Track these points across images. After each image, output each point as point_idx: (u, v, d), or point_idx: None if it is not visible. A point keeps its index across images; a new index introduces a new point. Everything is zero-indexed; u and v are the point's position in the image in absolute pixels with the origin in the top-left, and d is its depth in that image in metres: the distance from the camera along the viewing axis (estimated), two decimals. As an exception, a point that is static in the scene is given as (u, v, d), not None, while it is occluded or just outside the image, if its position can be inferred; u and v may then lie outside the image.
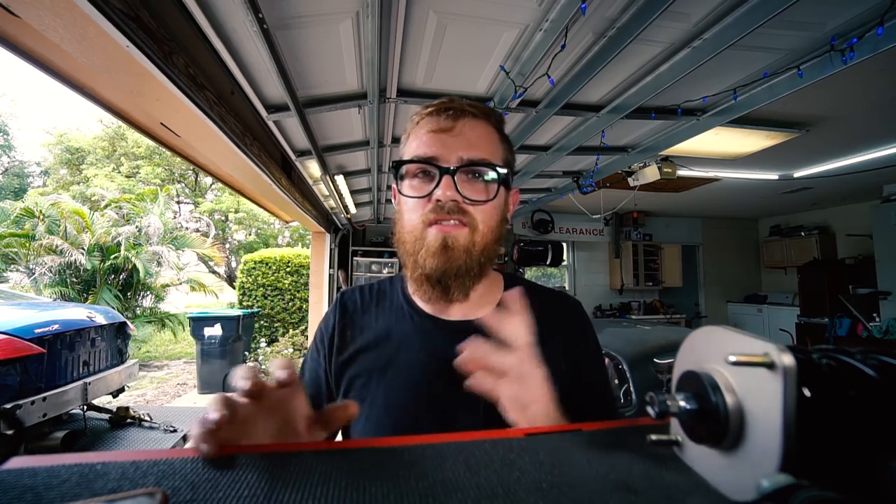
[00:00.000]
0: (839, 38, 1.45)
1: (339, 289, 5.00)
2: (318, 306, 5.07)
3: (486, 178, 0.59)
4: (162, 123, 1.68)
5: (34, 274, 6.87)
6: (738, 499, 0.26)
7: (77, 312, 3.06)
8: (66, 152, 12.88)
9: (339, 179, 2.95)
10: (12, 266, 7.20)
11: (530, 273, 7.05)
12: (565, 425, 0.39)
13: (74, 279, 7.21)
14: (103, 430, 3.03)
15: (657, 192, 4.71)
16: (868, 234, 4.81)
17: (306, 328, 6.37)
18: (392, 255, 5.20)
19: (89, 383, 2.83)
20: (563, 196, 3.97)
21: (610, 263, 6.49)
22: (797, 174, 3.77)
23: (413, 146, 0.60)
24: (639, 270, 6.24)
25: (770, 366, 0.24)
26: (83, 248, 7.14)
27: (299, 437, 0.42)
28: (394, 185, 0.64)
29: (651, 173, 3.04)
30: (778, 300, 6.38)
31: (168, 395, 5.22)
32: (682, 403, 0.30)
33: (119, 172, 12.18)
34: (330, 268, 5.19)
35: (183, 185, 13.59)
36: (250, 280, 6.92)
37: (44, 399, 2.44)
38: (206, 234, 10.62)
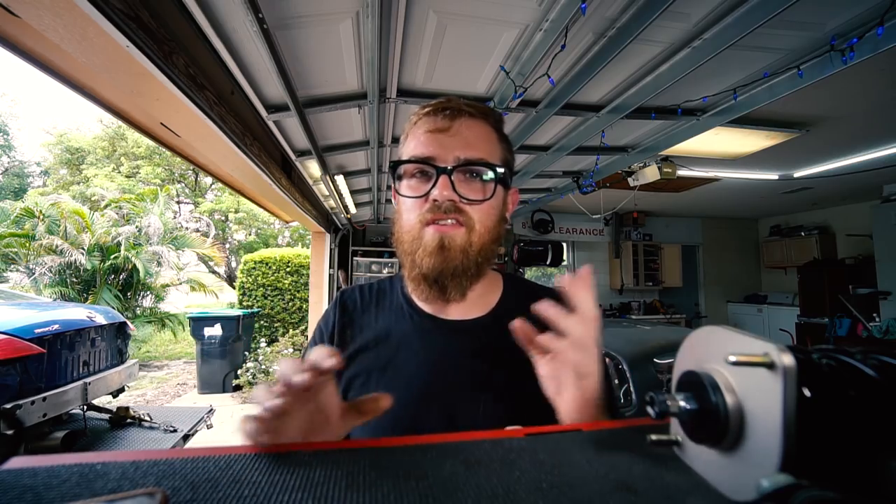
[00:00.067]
0: (839, 38, 1.45)
1: (338, 288, 5.00)
2: (318, 306, 5.07)
3: (483, 177, 0.59)
4: (162, 123, 1.68)
5: (34, 274, 6.87)
6: (738, 499, 0.26)
7: (77, 312, 3.06)
8: (66, 152, 12.88)
9: (339, 179, 2.95)
10: (12, 266, 7.20)
11: (530, 273, 7.06)
12: (565, 425, 0.39)
13: (74, 279, 7.21)
14: (103, 430, 3.03)
15: (657, 192, 4.71)
16: (868, 234, 4.81)
17: (306, 328, 6.38)
18: (392, 255, 5.19)
19: (89, 383, 2.83)
20: (563, 196, 3.97)
21: (610, 263, 6.49)
22: (797, 174, 3.77)
23: (411, 146, 0.60)
24: (639, 270, 6.24)
25: (770, 366, 0.24)
26: (83, 248, 7.14)
27: (330, 428, 0.41)
28: (393, 186, 0.64)
29: (651, 173, 3.04)
30: (778, 300, 6.38)
31: (168, 395, 5.22)
32: (682, 403, 0.30)
33: (119, 172, 12.18)
34: (330, 268, 5.19)
35: (183, 185, 13.59)
36: (250, 280, 6.92)
37: (44, 399, 2.44)
38: (206, 234, 10.63)
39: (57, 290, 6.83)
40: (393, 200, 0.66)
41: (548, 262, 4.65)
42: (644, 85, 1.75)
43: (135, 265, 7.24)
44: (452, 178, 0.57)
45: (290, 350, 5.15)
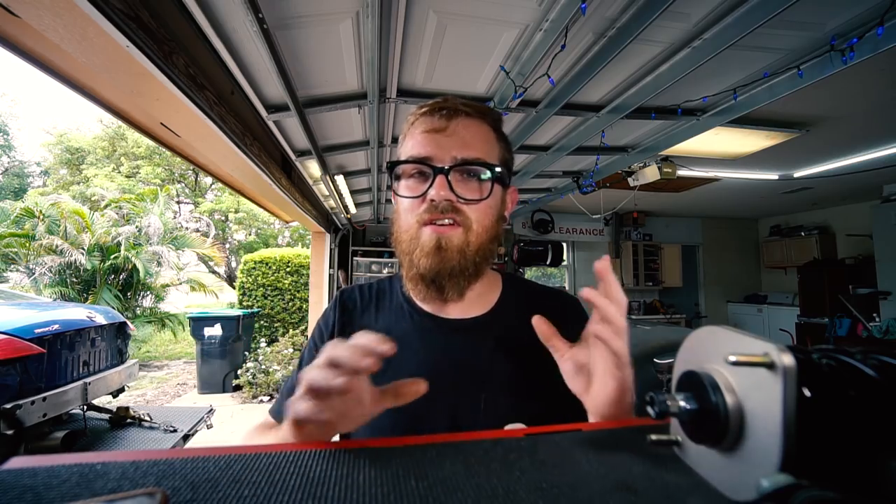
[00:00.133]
0: (839, 38, 1.45)
1: (338, 288, 5.01)
2: (318, 306, 5.07)
3: (480, 176, 0.59)
4: (162, 123, 1.68)
5: (34, 274, 6.87)
6: (738, 499, 0.26)
7: (77, 312, 3.06)
8: (66, 152, 12.88)
9: (339, 179, 2.95)
10: (12, 266, 7.20)
11: (530, 273, 7.05)
12: (565, 425, 0.39)
13: (74, 279, 7.21)
14: (103, 430, 3.03)
15: (657, 192, 4.71)
16: (868, 234, 4.81)
17: (306, 328, 6.37)
18: (392, 255, 5.19)
19: (89, 383, 2.83)
20: (563, 196, 3.97)
21: (610, 263, 6.48)
22: (797, 174, 3.77)
23: (408, 146, 0.61)
24: (639, 270, 6.24)
25: (770, 366, 0.24)
26: (83, 248, 7.14)
27: (362, 410, 0.41)
28: (391, 186, 0.64)
29: (651, 173, 3.04)
30: (778, 300, 6.38)
31: (168, 395, 5.22)
32: (682, 403, 0.30)
33: (119, 172, 12.18)
34: (330, 268, 5.19)
35: (183, 185, 13.59)
36: (250, 280, 6.91)
37: (44, 399, 2.43)
38: (206, 234, 10.62)
39: (57, 290, 6.83)
40: (392, 200, 0.66)
41: (548, 262, 4.65)
42: (644, 85, 1.75)
43: (135, 265, 7.24)
44: (449, 177, 0.57)
45: (290, 350, 5.15)
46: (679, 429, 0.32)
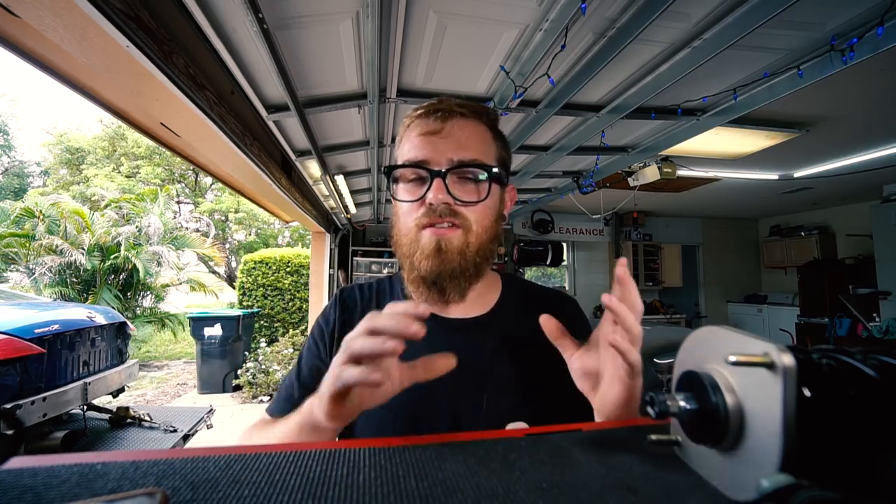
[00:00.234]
0: (839, 38, 1.45)
1: (338, 288, 5.00)
2: (318, 306, 5.07)
3: (477, 178, 0.59)
4: (162, 123, 1.68)
5: (34, 274, 6.87)
6: (738, 499, 0.26)
7: (77, 312, 3.05)
8: (66, 152, 12.88)
9: (339, 179, 2.95)
10: (12, 266, 7.20)
11: (530, 273, 7.05)
12: (565, 425, 0.39)
13: (74, 279, 7.21)
14: (103, 430, 3.02)
15: (657, 192, 4.71)
16: (868, 234, 4.81)
17: (306, 328, 6.37)
18: (391, 255, 5.19)
19: (89, 383, 2.83)
20: (563, 196, 3.97)
21: (610, 263, 6.49)
22: (797, 174, 3.77)
23: (405, 149, 0.60)
24: (639, 270, 6.24)
25: (770, 366, 0.24)
26: (83, 248, 7.14)
27: (391, 383, 0.41)
28: (390, 189, 0.64)
29: (651, 173, 3.04)
30: (778, 300, 6.38)
31: (168, 395, 5.22)
32: (682, 403, 0.30)
33: (119, 172, 12.18)
34: (330, 268, 5.19)
35: (183, 185, 13.59)
36: (250, 280, 6.91)
37: (44, 399, 2.43)
38: (206, 234, 10.62)
39: (57, 290, 6.83)
40: (392, 203, 0.66)
41: (548, 262, 4.65)
42: (644, 85, 1.75)
43: (135, 265, 7.24)
44: (446, 180, 0.57)
45: (290, 350, 5.15)
46: (679, 429, 0.32)
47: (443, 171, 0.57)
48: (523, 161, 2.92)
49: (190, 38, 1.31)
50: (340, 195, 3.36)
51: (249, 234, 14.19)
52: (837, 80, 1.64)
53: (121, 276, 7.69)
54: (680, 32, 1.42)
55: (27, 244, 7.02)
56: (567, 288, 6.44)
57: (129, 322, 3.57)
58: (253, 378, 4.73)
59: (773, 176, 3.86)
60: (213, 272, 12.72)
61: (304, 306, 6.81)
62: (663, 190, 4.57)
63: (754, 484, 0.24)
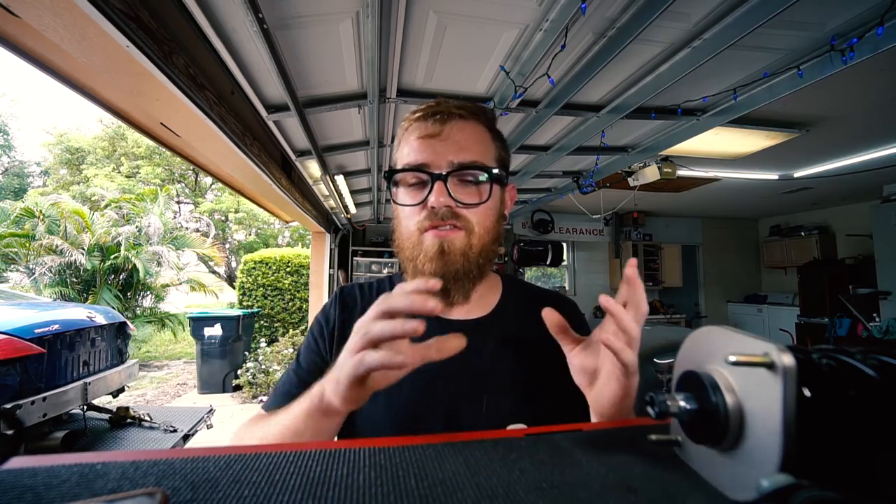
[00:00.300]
0: (839, 38, 1.45)
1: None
2: (318, 306, 5.03)
3: (478, 179, 0.59)
4: (162, 123, 1.68)
5: (34, 274, 6.87)
6: (738, 499, 0.26)
7: (77, 312, 3.05)
8: (66, 152, 12.88)
9: (339, 179, 2.95)
10: (12, 266, 7.21)
11: (530, 273, 7.06)
12: (565, 425, 0.39)
13: (74, 279, 7.21)
14: (103, 430, 3.03)
15: (657, 192, 4.71)
16: (868, 234, 4.81)
17: (306, 328, 6.37)
18: (392, 255, 5.19)
19: (89, 383, 2.83)
20: (563, 196, 3.97)
21: (610, 263, 6.49)
22: (797, 174, 3.77)
23: (404, 153, 0.60)
24: (639, 270, 6.23)
25: (770, 366, 0.24)
26: (83, 248, 7.14)
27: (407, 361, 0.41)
28: (390, 193, 0.64)
29: (651, 173, 3.04)
30: (778, 300, 6.38)
31: (168, 395, 5.22)
32: (682, 403, 0.30)
33: (119, 172, 12.18)
34: (330, 268, 5.19)
35: (183, 185, 13.59)
36: (250, 280, 6.91)
37: (44, 399, 2.43)
38: (206, 234, 10.63)
39: (57, 290, 6.83)
40: (392, 206, 0.66)
41: (548, 262, 4.66)
42: (644, 85, 1.75)
43: (135, 265, 7.24)
44: (448, 183, 0.57)
45: (291, 350, 5.15)
46: (679, 429, 0.32)
47: (444, 173, 0.57)
48: (523, 161, 2.92)
49: (190, 38, 1.31)
50: (340, 195, 3.36)
51: (249, 234, 14.20)
52: (837, 80, 1.64)
53: (121, 276, 7.70)
54: (680, 32, 1.42)
55: (27, 244, 7.03)
56: (567, 288, 6.44)
57: (129, 322, 3.58)
58: (253, 378, 4.73)
59: (773, 176, 3.86)
60: (213, 272, 12.72)
61: (304, 306, 6.81)
62: (663, 190, 4.57)
63: (754, 484, 0.24)
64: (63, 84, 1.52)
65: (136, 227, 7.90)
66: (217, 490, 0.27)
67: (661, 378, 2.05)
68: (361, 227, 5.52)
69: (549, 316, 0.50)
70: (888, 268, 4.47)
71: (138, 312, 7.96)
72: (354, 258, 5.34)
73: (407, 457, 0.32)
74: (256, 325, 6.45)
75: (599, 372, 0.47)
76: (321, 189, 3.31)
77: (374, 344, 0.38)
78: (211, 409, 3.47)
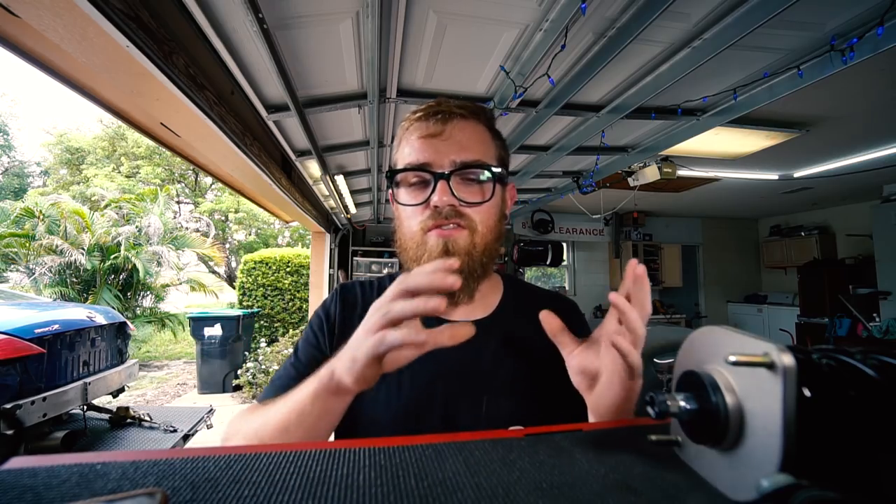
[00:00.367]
0: (839, 38, 1.45)
1: (339, 289, 4.99)
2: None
3: (480, 178, 0.59)
4: (162, 123, 1.68)
5: (34, 274, 6.87)
6: (738, 499, 0.26)
7: (77, 312, 3.05)
8: (66, 152, 12.88)
9: (339, 179, 2.95)
10: (12, 266, 7.21)
11: (530, 273, 7.06)
12: (565, 425, 0.39)
13: (74, 279, 7.21)
14: (103, 430, 3.03)
15: (657, 192, 4.71)
16: (868, 234, 4.81)
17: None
18: (392, 255, 5.19)
19: (89, 383, 2.83)
20: (563, 196, 3.97)
21: (610, 263, 6.49)
22: (797, 174, 3.77)
23: (405, 153, 0.60)
24: (639, 270, 6.24)
25: (770, 366, 0.24)
26: (83, 248, 7.14)
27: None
28: (390, 192, 0.64)
29: (651, 173, 3.04)
30: (778, 300, 6.38)
31: (168, 395, 5.22)
32: (682, 403, 0.30)
33: (119, 172, 12.19)
34: (330, 268, 5.19)
35: (183, 185, 13.59)
36: (250, 280, 6.91)
37: (44, 399, 2.43)
38: (206, 234, 10.62)
39: (57, 290, 6.83)
40: (391, 206, 0.66)
41: (548, 262, 4.65)
42: (644, 85, 1.75)
43: (135, 265, 7.24)
44: (450, 182, 0.57)
45: (290, 350, 5.14)
46: (679, 429, 0.32)
47: (446, 173, 0.57)
48: (523, 161, 2.92)
49: (190, 38, 1.31)
50: (340, 195, 3.36)
51: (249, 234, 14.20)
52: (837, 80, 1.64)
53: (121, 276, 7.70)
54: (680, 32, 1.42)
55: (27, 244, 7.03)
56: (567, 288, 6.44)
57: (129, 322, 3.58)
58: (253, 378, 4.73)
59: (773, 176, 3.86)
60: (213, 272, 12.72)
61: (304, 306, 6.81)
62: (663, 190, 4.57)
63: (754, 484, 0.24)
64: (63, 84, 1.52)
65: (136, 227, 7.90)
66: (217, 490, 0.27)
67: (661, 378, 2.05)
68: (361, 227, 5.52)
69: (547, 319, 0.50)
70: (888, 268, 4.47)
71: (138, 312, 7.96)
72: (354, 258, 5.34)
73: (407, 457, 0.32)
74: (256, 325, 6.45)
75: (600, 374, 0.47)
76: (321, 189, 3.31)
77: (395, 323, 0.39)
78: (211, 409, 3.47)
